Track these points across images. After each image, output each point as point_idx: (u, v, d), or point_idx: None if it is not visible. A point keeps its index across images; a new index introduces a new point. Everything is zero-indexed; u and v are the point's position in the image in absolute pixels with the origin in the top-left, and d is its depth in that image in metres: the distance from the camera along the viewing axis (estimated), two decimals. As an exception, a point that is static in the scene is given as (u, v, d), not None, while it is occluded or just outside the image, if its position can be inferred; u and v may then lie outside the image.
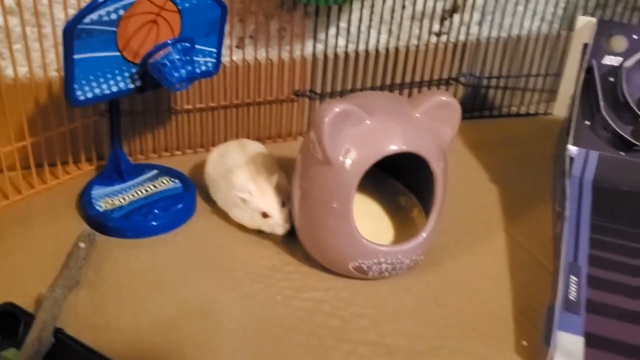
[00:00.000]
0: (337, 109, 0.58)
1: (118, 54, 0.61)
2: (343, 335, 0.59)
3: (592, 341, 0.57)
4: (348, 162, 0.59)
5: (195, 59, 0.67)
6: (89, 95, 0.62)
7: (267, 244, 0.70)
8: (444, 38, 0.94)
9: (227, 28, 0.76)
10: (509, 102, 1.01)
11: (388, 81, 0.92)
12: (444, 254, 0.70)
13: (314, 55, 0.86)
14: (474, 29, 0.94)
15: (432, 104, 0.61)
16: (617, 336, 0.57)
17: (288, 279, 0.65)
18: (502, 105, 1.01)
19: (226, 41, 0.83)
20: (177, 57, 0.60)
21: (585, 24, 0.80)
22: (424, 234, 0.63)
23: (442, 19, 0.93)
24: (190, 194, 0.75)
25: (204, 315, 0.60)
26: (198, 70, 0.68)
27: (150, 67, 0.61)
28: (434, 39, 0.93)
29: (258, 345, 0.58)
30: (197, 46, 0.66)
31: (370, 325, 0.60)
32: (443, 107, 0.61)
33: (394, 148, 0.60)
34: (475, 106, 0.99)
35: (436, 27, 0.93)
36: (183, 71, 0.60)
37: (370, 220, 0.69)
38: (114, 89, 0.63)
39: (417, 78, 0.94)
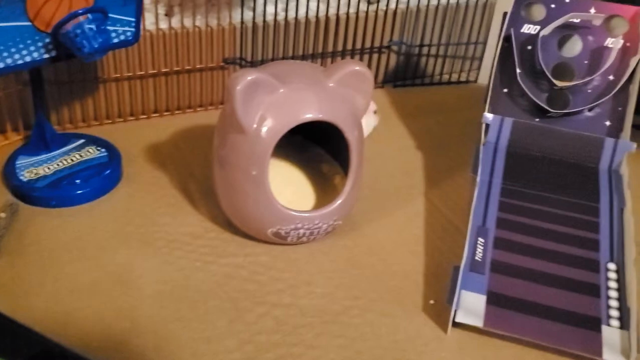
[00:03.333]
0: (249, 78, 0.59)
1: (29, 23, 0.60)
2: (259, 298, 0.61)
3: (494, 299, 0.60)
4: (262, 130, 0.61)
5: (112, 28, 0.66)
6: (1, 65, 0.61)
7: (191, 211, 0.71)
8: (375, 6, 0.95)
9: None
10: (440, 70, 1.03)
11: (320, 49, 0.93)
12: (363, 218, 0.73)
13: (242, 22, 0.87)
14: (405, -3, 0.96)
15: (345, 73, 0.62)
16: (517, 294, 0.60)
17: (209, 246, 0.67)
18: (433, 73, 1.03)
19: (153, 9, 0.83)
20: (89, 26, 0.60)
21: (506, -7, 0.81)
22: (339, 200, 0.65)
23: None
24: (116, 163, 0.75)
25: (122, 282, 0.62)
26: (117, 40, 0.68)
27: (62, 37, 0.61)
28: (366, 7, 0.94)
29: (174, 309, 0.59)
30: (113, 15, 0.66)
31: (286, 288, 0.63)
32: (356, 77, 0.63)
33: (307, 116, 0.61)
34: (407, 74, 1.01)
35: (367, -5, 0.94)
36: (94, 41, 0.60)
37: (292, 187, 0.71)
38: (27, 59, 0.63)
39: (349, 46, 0.95)
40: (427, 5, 0.97)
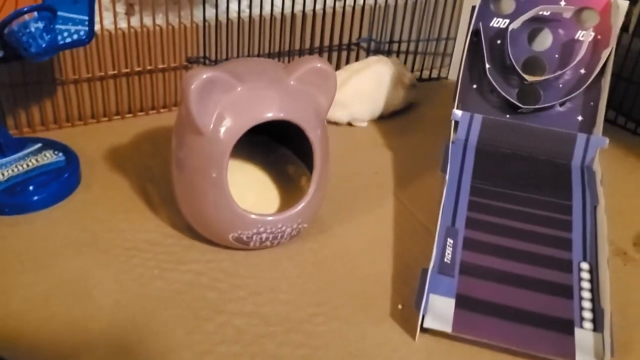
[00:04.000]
0: (204, 76, 0.56)
1: (-29, 22, 0.57)
2: (219, 306, 0.59)
3: (463, 303, 0.58)
4: (220, 130, 0.58)
5: (64, 27, 0.63)
6: (-58, 66, 0.58)
7: (150, 217, 0.69)
8: (343, 3, 0.92)
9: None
10: (411, 66, 1.01)
11: (287, 47, 0.91)
12: (331, 220, 0.70)
13: (204, 20, 0.84)
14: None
15: (306, 71, 0.60)
16: (487, 297, 0.58)
17: (168, 252, 0.64)
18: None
19: (112, 8, 0.80)
20: (36, 25, 0.57)
21: (475, -14, 0.79)
22: (303, 203, 0.63)
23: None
24: (73, 168, 0.72)
25: (77, 292, 0.59)
26: (69, 40, 0.65)
27: (7, 37, 0.58)
28: (333, 3, 0.92)
29: (130, 320, 0.56)
30: (64, 14, 0.63)
31: (248, 295, 0.60)
32: (317, 74, 0.60)
33: (267, 115, 0.59)
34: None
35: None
36: (42, 40, 0.57)
37: (255, 190, 0.69)
38: (-28, 59, 0.60)
39: (317, 44, 0.93)
40: (396, 1, 0.95)
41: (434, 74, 1.01)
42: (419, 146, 0.84)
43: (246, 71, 0.60)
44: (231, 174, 0.67)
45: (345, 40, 0.94)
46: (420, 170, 0.79)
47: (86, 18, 0.66)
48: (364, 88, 0.87)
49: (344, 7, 0.92)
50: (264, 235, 0.62)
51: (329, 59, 0.95)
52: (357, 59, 0.96)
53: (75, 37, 0.66)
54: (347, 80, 0.86)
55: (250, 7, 0.86)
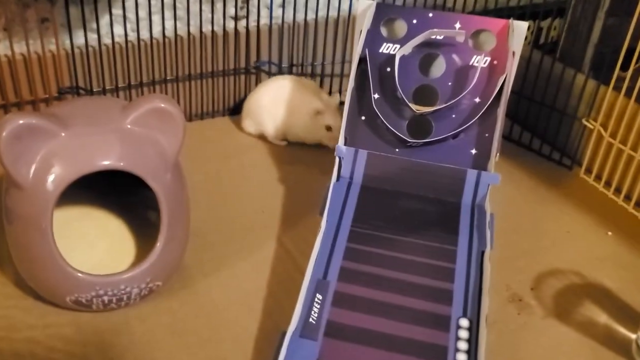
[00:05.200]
0: (19, 122, 0.49)
1: None
2: (47, 383, 0.52)
3: (323, 371, 0.51)
4: (41, 182, 0.51)
5: None
6: None
7: (-7, 273, 0.61)
8: (237, 24, 0.86)
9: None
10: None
11: (174, 73, 0.84)
12: (197, 272, 0.63)
13: (72, 48, 0.76)
14: (278, 12, 0.87)
15: (145, 112, 0.53)
16: (350, 363, 0.52)
17: (4, 317, 0.57)
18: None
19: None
20: None
21: (366, 7, 0.73)
22: (149, 261, 0.55)
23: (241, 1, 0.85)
24: None
25: None
26: None
27: None
28: (231, 23, 0.85)
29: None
30: None
31: (82, 368, 0.53)
32: (157, 115, 0.53)
33: (95, 164, 0.52)
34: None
35: (232, 11, 0.85)
36: None
37: (107, 241, 0.61)
38: None
39: (210, 68, 0.86)
40: (293, 22, 0.88)
41: (343, 98, 0.95)
42: (314, 181, 0.77)
43: (75, 114, 0.53)
44: (76, 222, 0.60)
45: (242, 64, 0.88)
46: (309, 209, 0.73)
47: None
48: (261, 99, 0.83)
49: (235, 28, 0.85)
50: (105, 298, 0.55)
51: (225, 84, 0.88)
52: (257, 84, 0.90)
53: None
54: (255, 90, 0.85)
55: (137, 30, 0.79)
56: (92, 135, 0.52)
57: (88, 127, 0.52)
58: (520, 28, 0.70)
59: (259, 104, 0.83)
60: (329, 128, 0.81)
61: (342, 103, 0.82)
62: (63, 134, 0.51)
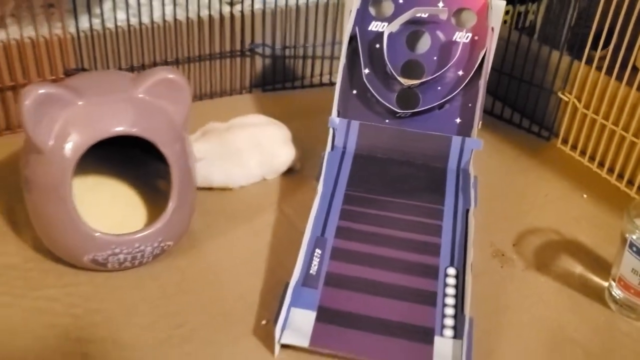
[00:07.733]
0: (39, 92, 0.53)
1: None
2: (71, 334, 0.56)
3: (324, 315, 0.56)
4: (60, 147, 0.55)
5: None
6: None
7: (13, 239, 0.65)
8: (233, 8, 0.90)
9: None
10: (310, 72, 0.99)
11: (174, 56, 0.88)
12: (204, 235, 0.68)
13: (77, 31, 0.81)
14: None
15: (155, 82, 0.58)
16: (349, 308, 0.57)
17: (24, 278, 0.61)
18: (303, 76, 0.99)
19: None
20: None
21: (355, -11, 0.78)
22: (162, 221, 0.60)
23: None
24: None
25: None
26: None
27: None
28: (219, 9, 0.89)
29: (-31, 354, 0.53)
30: None
31: (103, 321, 0.57)
32: (167, 85, 0.58)
33: (111, 130, 0.56)
34: (277, 78, 0.97)
35: (225, -3, 0.89)
36: None
37: (120, 207, 0.66)
38: None
39: (207, 51, 0.90)
40: (286, 6, 0.93)
41: (334, 79, 0.99)
42: (312, 153, 0.82)
43: (90, 85, 0.57)
44: (92, 191, 0.64)
45: (238, 47, 0.92)
46: (308, 179, 0.77)
47: None
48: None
49: (231, 12, 0.89)
50: (121, 257, 0.59)
51: (221, 66, 0.92)
52: (252, 66, 0.94)
53: None
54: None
55: (139, 15, 0.83)
56: (106, 104, 0.56)
57: (102, 96, 0.57)
58: (498, 6, 0.75)
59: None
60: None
61: (332, 83, 0.86)
62: (80, 103, 0.55)
